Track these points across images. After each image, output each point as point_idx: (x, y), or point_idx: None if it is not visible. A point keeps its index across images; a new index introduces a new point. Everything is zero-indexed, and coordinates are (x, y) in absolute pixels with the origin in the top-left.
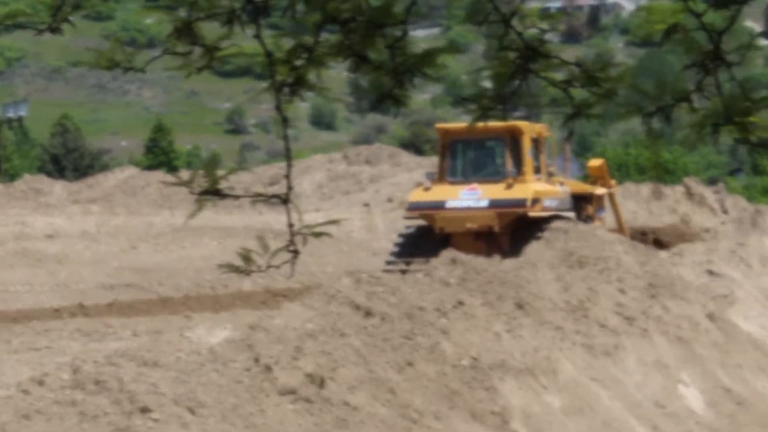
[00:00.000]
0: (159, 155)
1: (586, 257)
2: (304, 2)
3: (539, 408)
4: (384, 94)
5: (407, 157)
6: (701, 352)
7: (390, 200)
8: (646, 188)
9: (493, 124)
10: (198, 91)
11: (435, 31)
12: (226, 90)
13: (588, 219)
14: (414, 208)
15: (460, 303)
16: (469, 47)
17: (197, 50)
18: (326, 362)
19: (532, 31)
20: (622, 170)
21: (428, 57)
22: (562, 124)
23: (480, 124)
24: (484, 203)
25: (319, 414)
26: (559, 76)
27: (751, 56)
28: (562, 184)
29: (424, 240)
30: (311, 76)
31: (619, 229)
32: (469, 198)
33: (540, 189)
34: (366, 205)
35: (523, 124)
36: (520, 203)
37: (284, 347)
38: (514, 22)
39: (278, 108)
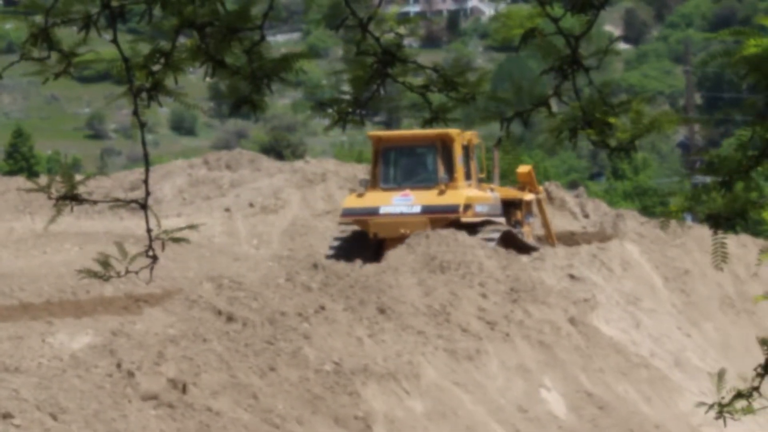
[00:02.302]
0: (19, 161)
1: (448, 262)
2: (161, 7)
3: (402, 413)
4: (241, 99)
5: (268, 162)
6: (563, 357)
7: (251, 205)
8: None
9: (425, 131)
10: (58, 96)
11: (295, 35)
12: (86, 95)
13: (517, 224)
14: (348, 214)
15: (322, 308)
16: (329, 52)
17: (54, 56)
18: (188, 367)
19: (390, 36)
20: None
21: (285, 62)
22: (421, 127)
23: (411, 132)
24: (417, 209)
25: (181, 419)
26: (418, 80)
27: (609, 60)
28: (492, 189)
29: (359, 244)
30: (169, 81)
31: (547, 233)
32: (402, 204)
33: (471, 195)
34: (227, 210)
35: (453, 132)
36: (453, 209)
37: (146, 353)
38: (372, 26)
39: (136, 113)
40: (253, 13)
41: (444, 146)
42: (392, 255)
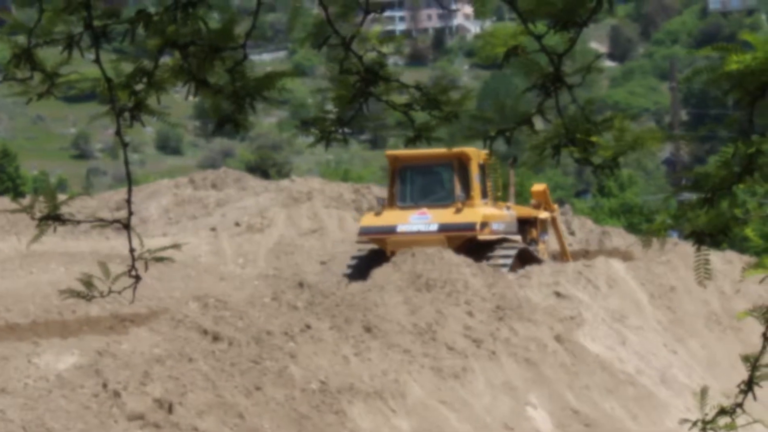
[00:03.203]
0: (5, 181)
1: (433, 280)
2: (144, 26)
3: (388, 431)
4: (224, 119)
5: (254, 181)
6: (549, 374)
7: (237, 224)
8: None
9: (441, 150)
10: (44, 116)
11: (281, 54)
12: (71, 115)
13: (533, 242)
14: (365, 232)
15: (308, 326)
16: (315, 70)
17: (37, 76)
18: (174, 387)
19: (373, 55)
20: None
21: (268, 80)
22: (405, 146)
23: (428, 151)
24: (434, 227)
25: None
26: (403, 99)
27: (595, 78)
28: (508, 207)
29: (377, 263)
30: (152, 101)
31: (562, 251)
32: (419, 222)
33: (488, 213)
34: (213, 229)
35: (470, 150)
36: (470, 227)
37: (132, 372)
38: (355, 45)
39: (118, 133)
40: (236, 31)
41: (461, 165)
42: (378, 273)
